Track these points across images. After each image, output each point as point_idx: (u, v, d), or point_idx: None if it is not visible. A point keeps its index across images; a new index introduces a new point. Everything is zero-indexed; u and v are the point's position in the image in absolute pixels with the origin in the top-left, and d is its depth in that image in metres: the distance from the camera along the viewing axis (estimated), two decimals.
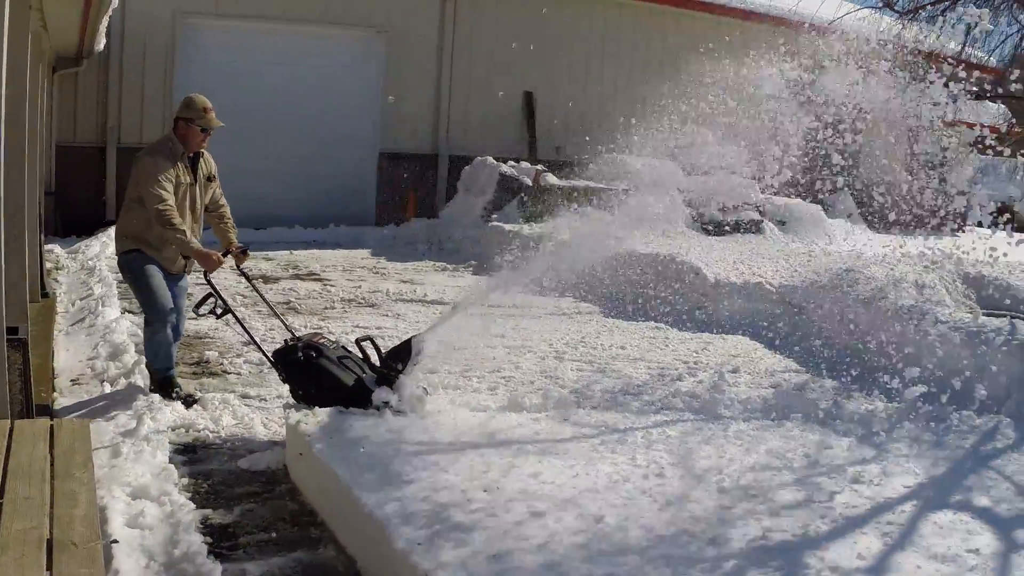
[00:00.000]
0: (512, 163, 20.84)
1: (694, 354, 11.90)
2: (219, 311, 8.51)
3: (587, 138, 23.71)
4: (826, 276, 13.99)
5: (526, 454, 6.88)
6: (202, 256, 8.28)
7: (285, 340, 8.42)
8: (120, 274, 8.87)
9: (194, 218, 8.60)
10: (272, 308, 9.00)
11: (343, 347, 8.48)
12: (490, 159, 20.79)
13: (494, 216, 19.66)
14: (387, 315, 13.23)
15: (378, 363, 8.16)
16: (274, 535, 6.29)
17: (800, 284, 14.12)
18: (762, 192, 23.28)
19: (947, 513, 6.51)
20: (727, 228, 22.19)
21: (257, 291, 9.05)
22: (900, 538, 6.03)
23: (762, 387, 9.95)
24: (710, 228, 21.92)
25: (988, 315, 12.68)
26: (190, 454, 7.69)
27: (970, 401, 9.68)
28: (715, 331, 13.27)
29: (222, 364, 10.23)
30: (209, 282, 8.46)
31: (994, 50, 14.76)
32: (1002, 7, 13.36)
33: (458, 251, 19.12)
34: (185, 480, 7.05)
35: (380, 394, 7.69)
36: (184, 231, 8.17)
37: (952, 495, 6.96)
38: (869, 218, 28.27)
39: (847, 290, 13.12)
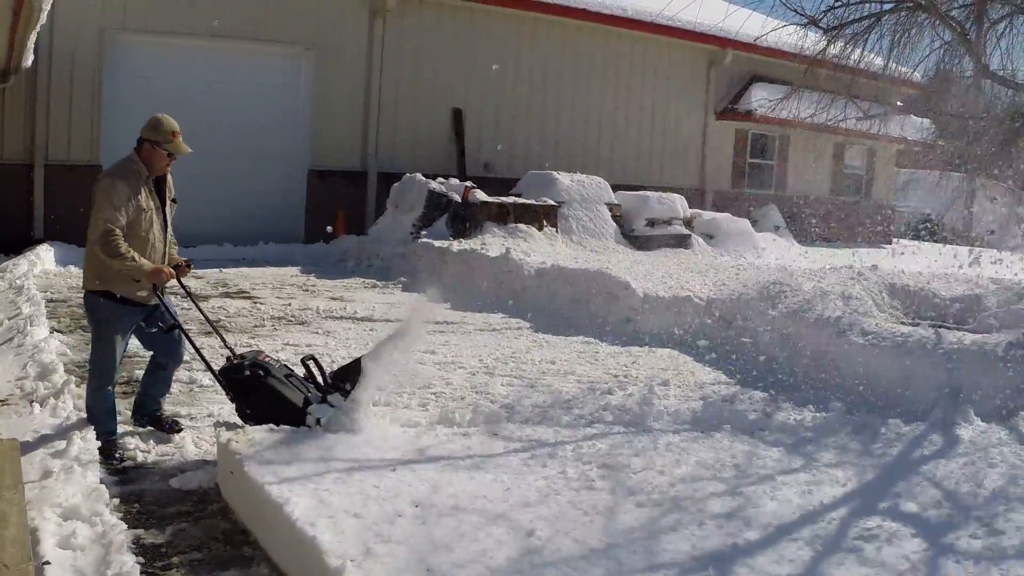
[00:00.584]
0: (441, 180, 20.85)
1: (624, 368, 11.97)
2: (166, 326, 8.33)
3: (516, 154, 23.94)
4: (754, 289, 14.11)
5: (457, 469, 6.91)
6: (153, 273, 7.94)
7: (228, 358, 8.34)
8: (85, 309, 8.35)
9: (166, 242, 8.26)
10: (212, 324, 8.91)
11: (286, 365, 8.45)
12: (419, 176, 20.81)
13: (423, 233, 19.66)
14: (317, 332, 13.20)
15: (322, 382, 8.17)
16: (206, 554, 6.23)
17: (728, 297, 14.22)
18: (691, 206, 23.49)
19: (876, 520, 6.61)
20: (655, 242, 22.35)
21: (196, 306, 8.89)
22: (829, 545, 6.11)
23: (691, 399, 10.03)
24: (639, 242, 22.06)
25: (914, 324, 12.85)
26: (121, 474, 7.62)
27: (897, 409, 9.83)
28: (644, 345, 13.35)
29: None
30: (159, 296, 8.26)
31: (918, 65, 14.97)
32: (925, 24, 13.55)
33: (388, 268, 19.10)
34: (116, 500, 6.97)
35: (317, 411, 7.71)
36: (131, 256, 7.77)
37: (880, 502, 7.06)
38: (797, 231, 28.59)
39: (775, 302, 13.25)
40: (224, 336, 8.81)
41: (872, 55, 14.35)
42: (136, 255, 7.83)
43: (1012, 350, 10.86)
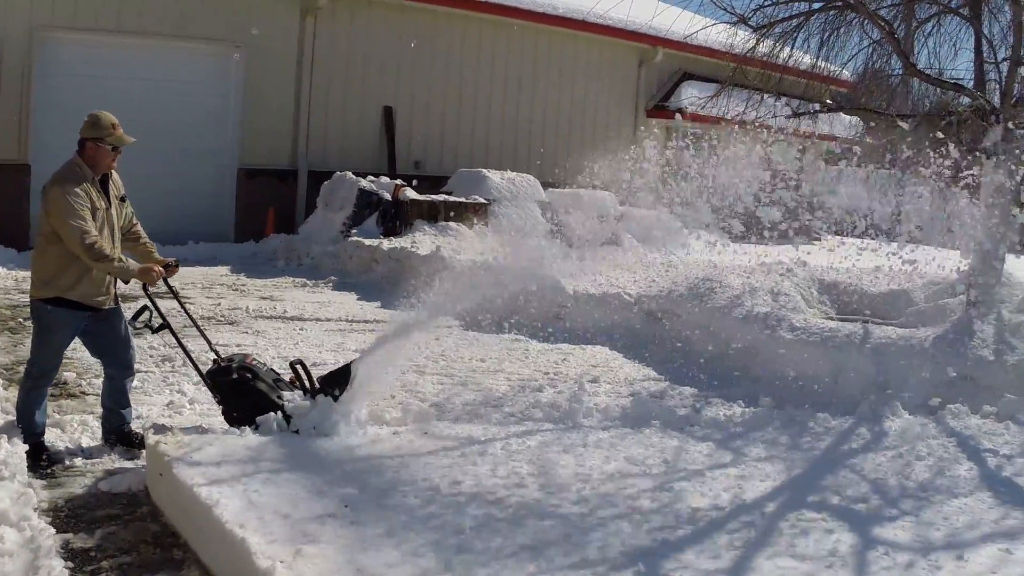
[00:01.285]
0: (372, 178, 20.77)
1: (554, 365, 11.98)
2: (155, 325, 8.25)
3: (447, 152, 23.90)
4: (684, 285, 14.19)
5: (386, 468, 6.89)
6: (142, 272, 7.90)
7: (214, 360, 8.32)
8: (31, 314, 8.13)
9: (114, 244, 8.05)
10: (198, 327, 8.80)
11: (272, 369, 8.49)
12: (349, 174, 20.71)
13: (354, 231, 19.59)
14: (247, 332, 13.12)
15: (309, 386, 8.20)
16: (136, 558, 6.19)
17: (658, 294, 14.29)
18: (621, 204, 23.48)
19: (805, 513, 6.67)
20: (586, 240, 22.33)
21: (184, 308, 8.81)
22: (759, 539, 6.15)
23: (621, 396, 10.08)
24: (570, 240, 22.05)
25: (842, 320, 12.96)
26: (49, 478, 7.55)
27: (826, 404, 9.91)
28: (575, 342, 13.36)
29: (80, 385, 10.05)
30: (148, 296, 8.23)
31: (846, 63, 15.08)
32: (854, 23, 13.66)
33: (318, 267, 19.00)
34: (45, 504, 6.92)
35: (296, 420, 7.79)
36: (117, 259, 7.70)
37: (809, 495, 7.12)
38: (726, 228, 28.67)
39: (704, 299, 13.31)
40: (208, 338, 8.72)
41: (802, 53, 14.45)
42: (122, 255, 7.79)
43: (939, 344, 10.98)
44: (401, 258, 17.52)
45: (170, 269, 8.31)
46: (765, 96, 14.91)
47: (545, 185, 23.26)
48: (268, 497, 6.16)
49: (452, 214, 20.26)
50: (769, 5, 13.29)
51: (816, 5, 13.46)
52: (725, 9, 13.38)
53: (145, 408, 9.09)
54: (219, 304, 15.09)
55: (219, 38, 21.32)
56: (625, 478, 7.10)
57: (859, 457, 8.19)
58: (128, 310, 8.43)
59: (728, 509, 6.62)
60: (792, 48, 14.00)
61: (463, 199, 20.87)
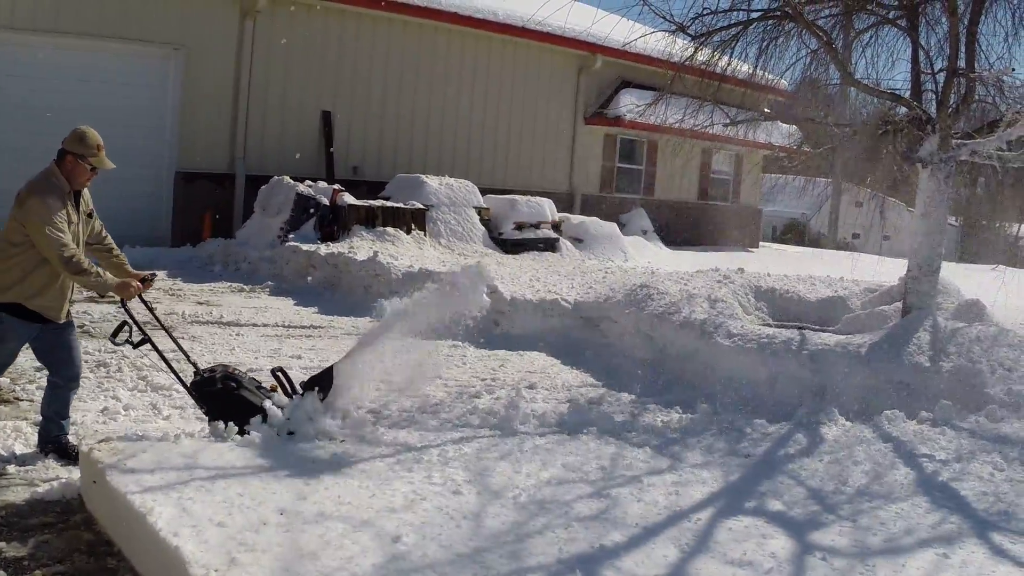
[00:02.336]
0: (309, 182, 20.68)
1: (491, 371, 11.95)
2: (135, 340, 8.15)
3: (385, 157, 23.82)
4: (621, 292, 14.20)
5: (322, 475, 6.83)
6: (120, 287, 7.81)
7: (196, 371, 8.28)
8: None
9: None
10: (174, 339, 8.71)
11: (253, 378, 8.47)
12: (287, 178, 20.61)
13: (291, 236, 19.48)
14: (183, 338, 12.96)
15: (291, 391, 8.26)
16: (70, 567, 6.10)
17: (596, 300, 14.30)
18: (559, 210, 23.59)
19: (742, 519, 6.68)
20: (524, 246, 22.41)
21: (159, 321, 8.73)
22: (696, 545, 6.15)
23: (559, 402, 10.06)
24: (507, 246, 22.09)
25: (780, 326, 13.01)
26: None
27: (763, 410, 9.94)
28: (512, 348, 13.36)
29: (14, 391, 9.90)
30: (127, 310, 8.12)
31: (784, 72, 15.13)
32: (792, 32, 13.70)
33: (255, 272, 18.86)
34: None
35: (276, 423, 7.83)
36: (95, 273, 7.59)
37: (746, 501, 7.14)
38: (664, 235, 28.86)
39: (642, 305, 13.32)
40: (187, 352, 8.64)
41: (740, 62, 14.47)
42: (100, 269, 7.71)
43: (875, 351, 11.05)
44: (338, 263, 17.44)
45: (146, 283, 8.22)
46: (703, 104, 14.92)
47: (484, 191, 23.28)
48: (203, 505, 6.08)
49: (390, 219, 20.20)
50: (708, 14, 13.30)
51: (755, 15, 13.49)
52: (664, 17, 13.38)
53: (79, 414, 8.96)
54: (155, 308, 14.90)
55: (158, 40, 21.16)
56: (562, 484, 7.08)
57: (796, 463, 8.23)
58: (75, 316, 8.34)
59: (666, 515, 6.62)
60: (731, 57, 14.01)
61: (401, 204, 20.84)
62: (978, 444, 8.99)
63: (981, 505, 7.50)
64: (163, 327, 8.72)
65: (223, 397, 7.98)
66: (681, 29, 13.26)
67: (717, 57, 13.99)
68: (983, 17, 13.12)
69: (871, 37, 14.46)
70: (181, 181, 21.70)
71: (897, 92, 13.48)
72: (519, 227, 22.85)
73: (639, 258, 24.38)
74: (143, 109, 21.39)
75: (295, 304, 16.17)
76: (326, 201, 20.06)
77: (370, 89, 24.49)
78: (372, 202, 20.56)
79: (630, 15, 16.33)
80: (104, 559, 6.26)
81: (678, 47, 14.29)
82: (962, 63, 12.67)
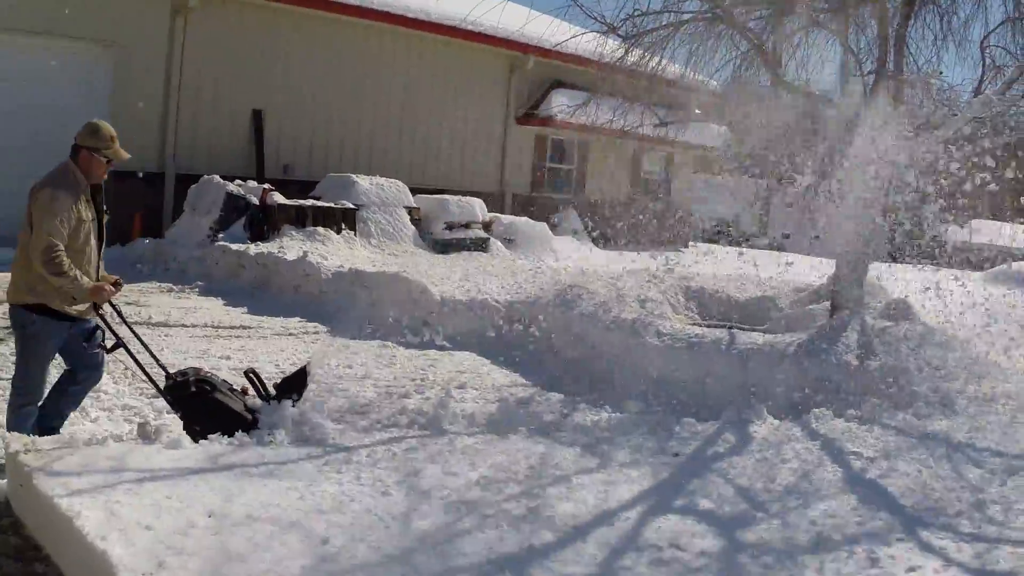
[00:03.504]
0: (240, 182, 20.53)
1: (421, 371, 11.93)
2: (108, 344, 8.11)
3: (316, 157, 23.70)
4: (551, 292, 14.22)
5: (251, 477, 6.79)
6: (93, 291, 7.72)
7: (167, 375, 8.22)
8: (12, 322, 7.95)
9: (99, 256, 8.02)
10: (146, 346, 8.60)
11: (225, 380, 8.44)
12: (217, 178, 20.44)
13: (220, 236, 19.34)
14: (111, 338, 12.85)
15: (264, 393, 8.28)
16: None
17: (526, 300, 14.30)
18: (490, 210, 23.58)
19: (671, 517, 6.70)
20: (454, 246, 22.39)
21: (127, 325, 8.61)
22: (625, 544, 6.16)
23: (489, 402, 10.05)
24: (438, 246, 22.06)
25: (709, 326, 13.07)
26: None
27: (692, 409, 9.98)
28: (443, 348, 13.35)
29: None
30: (99, 315, 8.06)
31: (715, 73, 15.20)
32: (723, 34, 13.77)
33: (184, 271, 18.70)
34: None
35: (271, 419, 7.94)
36: (73, 274, 7.48)
37: (676, 500, 7.15)
38: (595, 234, 28.93)
39: (572, 305, 13.34)
40: (157, 356, 8.57)
41: (671, 63, 14.53)
42: (79, 273, 7.56)
43: (804, 350, 11.13)
44: (268, 263, 17.35)
45: (117, 287, 8.18)
46: (634, 105, 14.98)
47: (415, 190, 23.24)
48: (130, 508, 6.01)
49: (320, 219, 20.11)
50: (639, 15, 13.35)
51: (685, 16, 13.54)
52: (595, 18, 13.44)
53: (2, 416, 8.84)
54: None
55: (87, 37, 20.90)
56: (491, 485, 7.07)
57: (725, 461, 8.26)
58: None
59: (595, 515, 6.62)
60: (661, 58, 14.06)
61: (331, 204, 20.76)
62: (906, 441, 9.07)
63: (909, 501, 7.56)
64: (132, 331, 8.62)
65: (197, 401, 7.94)
66: (612, 30, 13.30)
67: (648, 58, 14.03)
68: (912, 21, 13.27)
69: (801, 39, 14.58)
70: (111, 180, 21.33)
71: (826, 94, 13.59)
72: (450, 227, 22.83)
73: (570, 258, 24.42)
74: (73, 107, 21.06)
75: (225, 304, 16.05)
76: (256, 201, 19.93)
77: (302, 88, 24.36)
78: (302, 202, 20.46)
79: (562, 15, 16.31)
80: (32, 564, 6.19)
81: (609, 48, 14.32)
82: (891, 65, 12.79)
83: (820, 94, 13.91)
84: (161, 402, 9.11)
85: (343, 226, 20.43)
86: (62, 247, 7.43)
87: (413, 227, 22.20)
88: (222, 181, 20.30)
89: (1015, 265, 22.19)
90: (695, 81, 15.46)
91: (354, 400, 9.79)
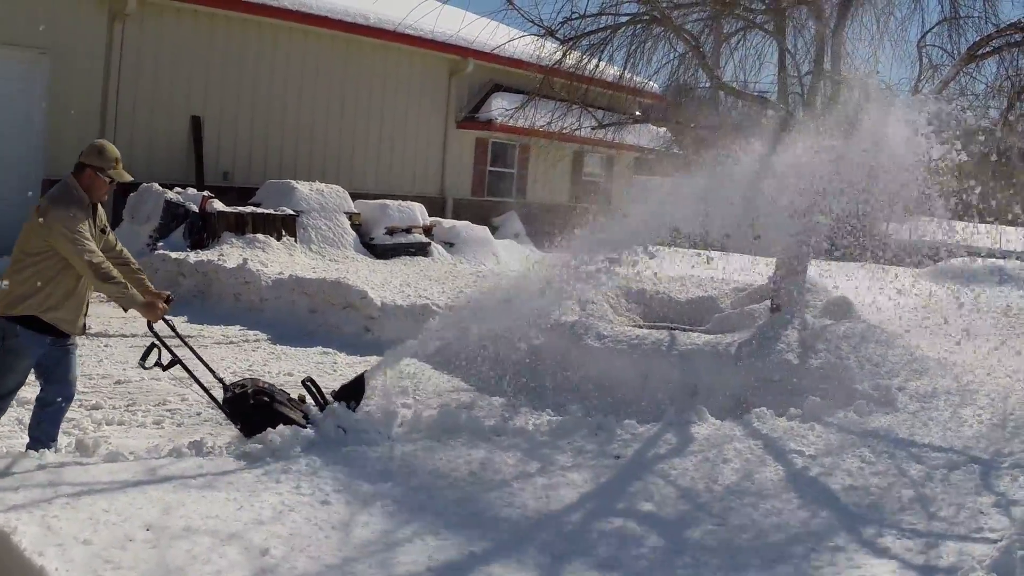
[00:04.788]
0: (179, 189, 20.37)
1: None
2: (165, 362, 8.07)
3: (256, 163, 23.57)
4: (492, 296, 14.18)
5: (189, 489, 6.74)
6: (146, 307, 7.71)
7: (224, 387, 8.36)
8: None
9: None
10: (201, 359, 8.66)
11: (283, 389, 8.64)
12: (156, 185, 20.27)
13: (160, 244, 19.19)
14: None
15: (323, 401, 8.48)
16: None
17: (467, 304, 14.27)
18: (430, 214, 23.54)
19: (613, 520, 6.72)
20: (395, 251, 22.33)
21: (184, 342, 8.60)
22: (567, 548, 6.17)
23: (429, 407, 10.02)
24: (378, 251, 21.99)
25: (650, 327, 13.10)
26: None
27: (634, 410, 10.00)
28: (383, 354, 13.25)
29: None
30: (154, 333, 8.03)
31: (653, 76, 15.26)
32: (661, 37, 13.82)
33: None
34: None
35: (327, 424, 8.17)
36: (123, 282, 7.49)
37: (617, 503, 7.17)
38: (536, 238, 28.94)
39: (513, 308, 13.32)
40: (214, 370, 8.69)
41: (609, 66, 14.56)
42: (128, 284, 7.57)
43: (744, 349, 11.18)
44: (208, 271, 17.23)
45: (169, 302, 8.11)
46: (573, 107, 15.00)
47: (355, 196, 23.14)
48: (68, 522, 5.97)
49: (260, 226, 19.99)
50: (576, 18, 13.37)
51: (623, 19, 13.56)
52: (533, 21, 13.45)
53: None
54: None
55: (23, 44, 20.67)
56: (432, 491, 7.08)
57: (667, 463, 8.28)
58: None
59: (536, 519, 6.63)
60: (599, 60, 14.09)
61: (271, 211, 20.63)
62: (847, 439, 9.13)
63: (851, 499, 7.62)
64: (187, 345, 8.64)
65: (259, 412, 8.09)
66: (550, 33, 13.31)
67: (586, 61, 14.05)
68: (849, 20, 13.36)
69: (739, 41, 14.66)
70: (49, 188, 21.21)
71: (764, 95, 13.66)
72: (390, 232, 22.76)
73: (511, 261, 24.42)
74: (9, 115, 20.89)
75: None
76: (195, 208, 19.79)
77: (240, 94, 24.22)
78: (242, 209, 20.33)
79: (500, 18, 16.29)
80: None
81: (548, 51, 14.34)
82: (828, 65, 12.87)
83: (758, 94, 13.98)
84: (100, 414, 9.06)
85: (283, 233, 20.32)
86: (100, 254, 7.45)
87: (354, 232, 22.11)
88: (161, 189, 20.13)
89: (954, 262, 22.40)
90: (634, 83, 15.50)
91: None
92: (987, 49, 12.30)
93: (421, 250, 22.99)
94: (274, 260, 18.51)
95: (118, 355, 12.50)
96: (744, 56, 14.83)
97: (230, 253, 18.39)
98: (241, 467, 7.33)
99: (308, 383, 8.58)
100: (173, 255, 18.24)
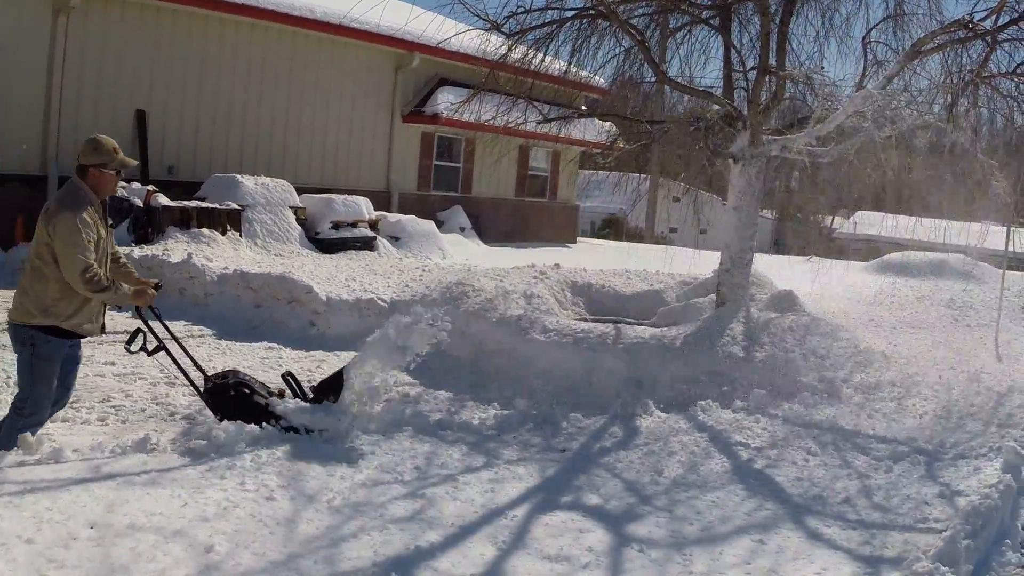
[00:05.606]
0: (123, 183, 20.19)
1: (308, 372, 11.82)
2: (150, 347, 8.12)
3: (201, 157, 23.42)
4: (437, 290, 14.19)
5: (133, 486, 6.70)
6: (137, 295, 7.76)
7: (206, 378, 8.49)
8: (16, 342, 7.67)
9: (106, 270, 7.76)
10: (184, 348, 8.71)
11: (263, 384, 8.75)
12: None
13: None
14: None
15: (301, 395, 8.59)
16: None
17: (412, 298, 14.26)
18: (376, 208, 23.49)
19: (559, 514, 6.73)
20: (341, 245, 22.27)
21: (169, 331, 8.63)
22: (512, 542, 6.18)
23: (376, 402, 9.98)
24: (324, 245, 21.92)
25: (596, 321, 13.12)
26: None
27: (580, 404, 10.02)
28: (329, 348, 13.27)
29: None
30: (142, 317, 8.09)
31: (598, 70, 15.27)
32: (607, 31, 13.83)
33: None
34: None
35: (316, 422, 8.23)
36: (113, 288, 7.45)
37: (563, 496, 7.19)
38: (482, 231, 28.97)
39: (458, 303, 13.32)
40: (195, 359, 8.78)
41: (555, 60, 14.56)
42: (117, 283, 7.60)
43: (690, 342, 11.23)
44: (152, 266, 17.08)
45: (157, 289, 8.13)
46: (518, 101, 14.99)
47: (300, 190, 23.07)
48: (10, 521, 5.91)
49: (205, 220, 19.88)
50: (522, 12, 13.35)
51: (569, 13, 13.56)
52: (478, 15, 13.41)
53: None
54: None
55: None
56: (377, 486, 7.07)
57: (612, 456, 8.33)
58: None
59: (482, 513, 6.64)
60: (545, 54, 14.08)
61: (216, 205, 20.52)
62: (792, 431, 9.21)
63: (796, 490, 7.68)
64: (171, 334, 8.67)
65: (237, 403, 8.21)
66: (495, 27, 13.28)
67: (532, 55, 14.04)
68: (794, 17, 13.44)
69: (685, 36, 14.70)
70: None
71: (709, 90, 13.71)
72: (336, 226, 22.70)
73: (457, 255, 24.43)
74: None
75: (109, 309, 15.72)
76: (140, 202, 19.66)
77: (185, 88, 24.05)
78: (187, 203, 20.21)
79: (446, 12, 16.23)
80: None
81: (493, 44, 14.32)
82: (773, 61, 12.93)
83: (703, 90, 14.02)
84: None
85: (228, 227, 20.22)
86: (95, 264, 7.38)
87: (299, 227, 22.03)
88: None
89: (895, 255, 22.57)
90: (580, 77, 15.52)
91: None
92: (931, 45, 12.37)
93: (367, 244, 22.95)
94: (219, 255, 18.41)
95: None
96: (690, 51, 14.87)
97: (175, 248, 18.28)
98: (186, 463, 7.29)
99: (288, 377, 8.67)
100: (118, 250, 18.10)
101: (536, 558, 5.92)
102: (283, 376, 8.70)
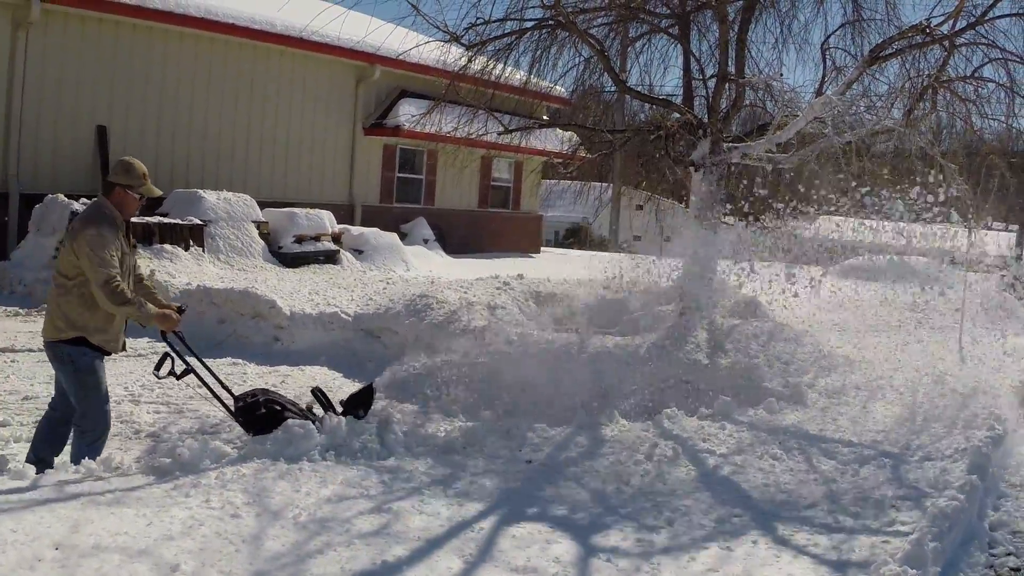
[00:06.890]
0: (85, 200, 20.10)
1: (273, 388, 11.76)
2: (179, 371, 8.15)
3: (163, 172, 23.29)
4: (401, 303, 14.20)
5: (98, 505, 6.65)
6: (160, 318, 7.80)
7: (234, 396, 8.47)
8: (55, 361, 7.82)
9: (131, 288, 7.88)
10: (213, 373, 8.63)
11: (293, 401, 8.82)
12: (62, 196, 20.01)
13: None
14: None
15: (332, 410, 8.65)
16: None
17: (375, 312, 14.26)
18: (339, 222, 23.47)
19: (526, 525, 6.73)
20: (304, 259, 22.25)
21: (195, 354, 8.53)
22: (479, 555, 6.18)
23: (341, 417, 9.97)
24: (287, 259, 21.89)
25: (560, 331, 13.13)
26: None
27: (545, 414, 10.02)
28: (294, 363, 13.26)
29: None
30: (168, 342, 8.11)
31: (558, 80, 15.34)
32: (566, 41, 13.88)
33: (31, 294, 18.28)
34: None
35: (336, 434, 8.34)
36: (137, 302, 7.53)
37: (529, 507, 7.20)
38: (446, 243, 28.97)
39: (422, 315, 13.32)
40: (222, 380, 8.69)
41: (515, 71, 14.59)
42: (142, 299, 7.68)
43: (654, 351, 11.25)
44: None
45: (181, 313, 8.20)
46: (479, 112, 15.01)
47: (263, 204, 23.03)
48: None
49: (167, 236, 19.82)
50: (481, 23, 13.37)
51: (528, 24, 13.59)
52: (438, 27, 13.41)
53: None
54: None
55: None
56: (342, 501, 7.04)
57: (578, 466, 8.35)
58: None
59: (448, 526, 6.64)
60: (505, 65, 14.11)
61: (178, 220, 20.46)
62: (758, 436, 9.24)
63: (763, 496, 7.71)
64: (196, 356, 8.61)
65: (269, 421, 8.23)
66: (455, 39, 13.29)
67: (492, 66, 14.07)
68: (753, 24, 13.53)
69: (644, 44, 14.77)
70: None
71: (669, 98, 13.77)
72: (299, 240, 22.68)
73: (421, 267, 24.44)
74: None
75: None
76: None
77: (146, 102, 23.98)
78: (149, 219, 20.13)
79: (406, 24, 16.25)
80: None
81: (453, 56, 14.34)
82: (732, 69, 13.00)
83: (663, 98, 14.08)
84: (7, 431, 8.96)
85: (191, 242, 20.17)
86: (119, 277, 7.48)
87: (262, 241, 22.00)
88: (67, 200, 19.88)
89: (858, 259, 22.64)
90: (540, 87, 15.55)
91: (205, 420, 9.70)
92: (889, 51, 12.48)
93: (330, 258, 22.94)
94: (182, 270, 18.35)
95: (25, 371, 12.29)
96: (649, 60, 14.96)
97: (138, 264, 18.19)
98: (150, 482, 7.25)
99: (317, 392, 8.77)
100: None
101: (503, 570, 5.92)
102: (312, 391, 8.80)
